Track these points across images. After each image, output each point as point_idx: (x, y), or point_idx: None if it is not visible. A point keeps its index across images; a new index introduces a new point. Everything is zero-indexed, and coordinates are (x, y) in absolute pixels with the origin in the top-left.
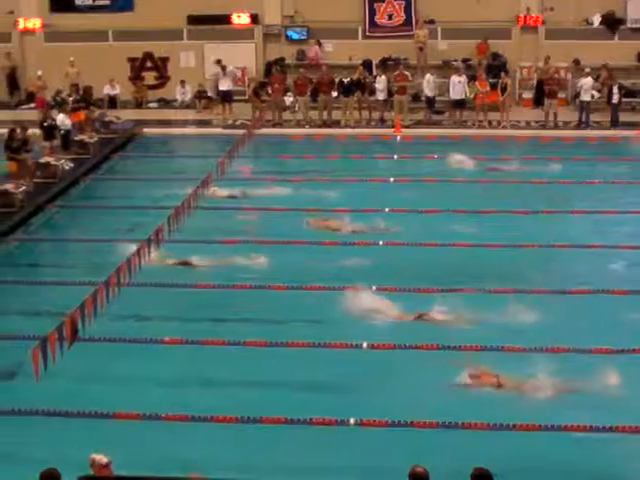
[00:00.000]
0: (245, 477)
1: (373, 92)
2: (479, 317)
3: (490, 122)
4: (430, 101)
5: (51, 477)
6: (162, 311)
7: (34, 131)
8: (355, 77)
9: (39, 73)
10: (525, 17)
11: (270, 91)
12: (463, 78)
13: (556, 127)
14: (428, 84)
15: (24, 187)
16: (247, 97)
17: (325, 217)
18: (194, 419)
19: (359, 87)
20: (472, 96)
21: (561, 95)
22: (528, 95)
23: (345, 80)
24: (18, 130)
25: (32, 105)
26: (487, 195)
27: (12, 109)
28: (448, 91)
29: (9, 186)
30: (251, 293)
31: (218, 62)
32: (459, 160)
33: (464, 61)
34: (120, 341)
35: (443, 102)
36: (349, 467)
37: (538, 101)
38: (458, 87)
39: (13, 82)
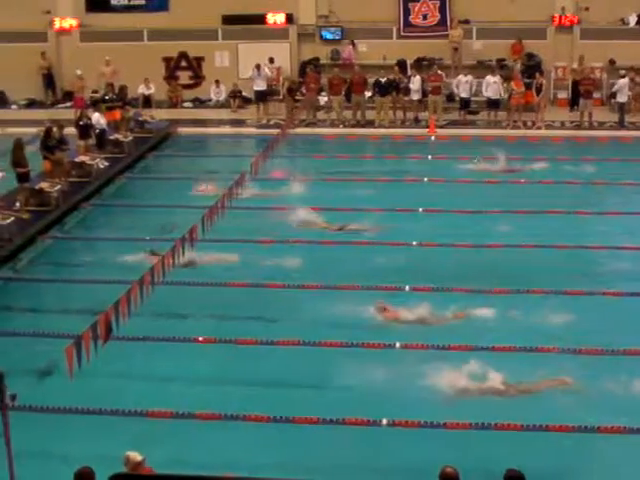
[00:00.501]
0: (279, 476)
1: (407, 92)
2: (511, 317)
3: (525, 122)
4: (464, 102)
5: (85, 475)
6: (196, 310)
7: (69, 130)
8: (390, 77)
9: (79, 72)
10: (560, 17)
11: (304, 91)
12: (497, 78)
13: (591, 127)
14: (461, 85)
15: (59, 186)
16: (281, 97)
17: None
18: (227, 418)
19: (394, 87)
20: (507, 96)
21: (596, 95)
22: (563, 95)
23: (382, 80)
24: (54, 129)
25: (68, 104)
26: (521, 196)
27: (48, 108)
28: (483, 91)
29: (45, 185)
30: (283, 292)
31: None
32: (493, 160)
33: (498, 61)
34: (154, 340)
35: (477, 102)
36: (381, 467)
37: (574, 102)
38: (493, 87)
39: (50, 81)
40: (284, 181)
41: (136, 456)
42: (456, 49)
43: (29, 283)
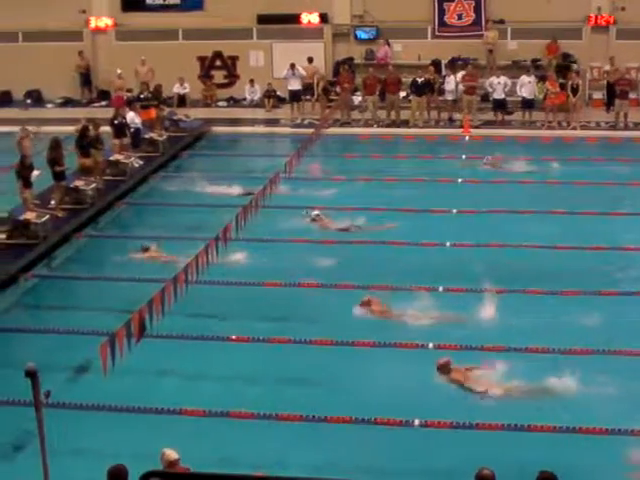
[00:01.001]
0: (310, 476)
1: (442, 92)
2: (545, 318)
3: (559, 123)
4: (498, 103)
5: (119, 473)
6: (229, 309)
7: (104, 129)
8: (427, 77)
9: (119, 71)
10: (596, 17)
11: (339, 90)
12: (532, 78)
13: (626, 128)
14: (495, 86)
15: (94, 184)
16: (316, 97)
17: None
18: (260, 417)
19: (429, 87)
20: (541, 96)
21: (632, 96)
22: (598, 96)
23: (419, 80)
24: (90, 128)
25: (103, 103)
26: (555, 196)
27: (83, 107)
28: (517, 91)
29: (80, 183)
30: (317, 292)
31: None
32: (527, 160)
33: (533, 61)
34: (187, 338)
35: (512, 102)
36: (413, 468)
37: (609, 102)
38: (527, 87)
39: (86, 80)
40: (318, 181)
41: (171, 454)
42: (491, 51)
43: (64, 281)
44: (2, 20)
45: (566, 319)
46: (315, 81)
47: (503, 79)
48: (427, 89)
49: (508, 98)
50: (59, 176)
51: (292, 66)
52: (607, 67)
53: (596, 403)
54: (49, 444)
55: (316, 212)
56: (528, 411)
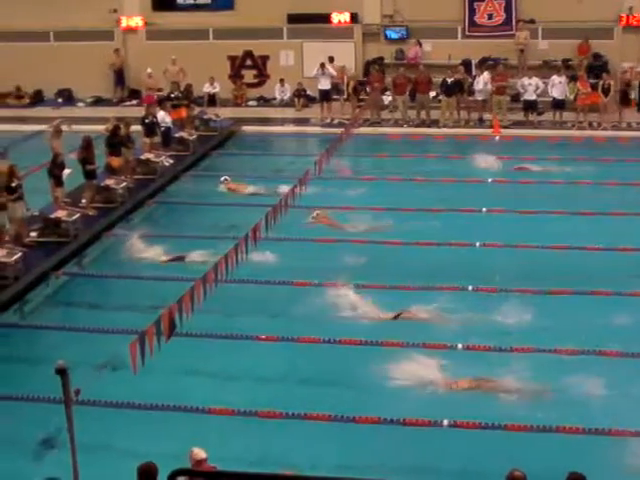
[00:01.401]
0: (339, 476)
1: (472, 92)
2: (575, 319)
3: (590, 123)
4: (530, 104)
5: (149, 470)
6: (258, 307)
7: (135, 128)
8: (457, 77)
9: (149, 71)
10: (628, 17)
11: (369, 90)
12: (563, 78)
13: None
14: (526, 87)
15: (125, 183)
16: (346, 96)
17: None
18: (288, 416)
19: (459, 87)
20: (572, 97)
21: None
22: (630, 96)
23: (449, 80)
24: (122, 127)
25: (134, 102)
26: (586, 197)
27: (114, 106)
28: (548, 91)
29: (110, 182)
30: (345, 292)
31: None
32: (557, 160)
33: (564, 61)
34: (216, 337)
35: (542, 102)
36: (441, 469)
37: None
38: (558, 87)
39: (120, 79)
40: (347, 180)
41: (199, 452)
42: (522, 51)
43: (94, 279)
44: (34, 20)
45: (599, 320)
46: (345, 81)
47: (535, 80)
48: (457, 89)
49: (539, 99)
50: (90, 175)
51: (322, 65)
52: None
53: (623, 405)
54: (78, 441)
55: (317, 211)
56: (556, 412)
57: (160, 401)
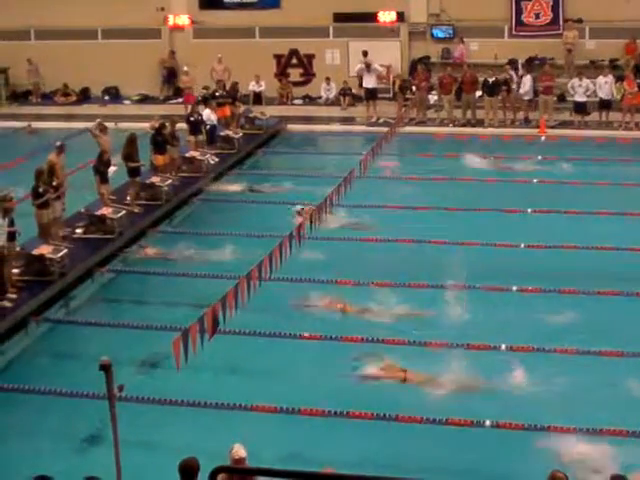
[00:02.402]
0: (380, 475)
1: (518, 92)
2: (619, 321)
3: (637, 124)
4: (580, 106)
5: (191, 466)
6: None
7: (180, 125)
8: (502, 76)
9: (185, 69)
10: None
11: (415, 89)
12: (609, 78)
13: None
14: (578, 88)
15: (170, 180)
16: (392, 95)
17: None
18: (330, 414)
19: (505, 86)
20: (619, 97)
21: None
22: None
23: (490, 80)
24: (167, 125)
25: (180, 100)
26: (630, 197)
27: (160, 104)
28: (595, 92)
29: (156, 179)
30: (388, 290)
31: (364, 54)
32: (603, 161)
33: (611, 61)
34: (260, 335)
35: (589, 103)
36: (482, 470)
37: None
38: (605, 87)
39: (170, 77)
40: (391, 180)
41: (239, 451)
42: (570, 50)
43: (139, 276)
44: (82, 18)
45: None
46: (391, 80)
47: (585, 82)
48: (499, 89)
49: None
50: (133, 172)
51: (367, 65)
52: None
53: None
54: (122, 437)
55: (300, 206)
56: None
57: (203, 398)
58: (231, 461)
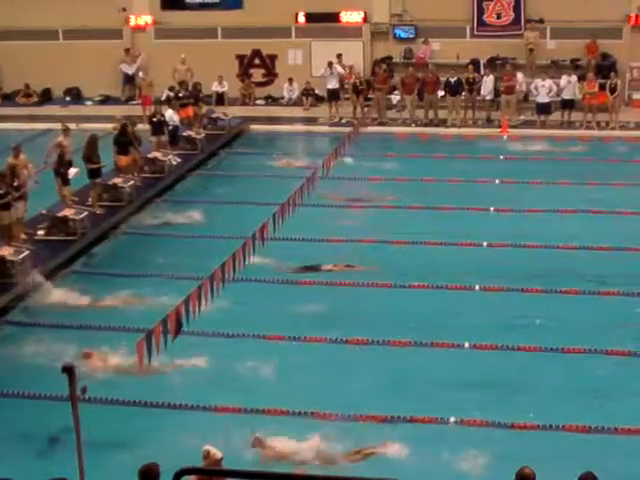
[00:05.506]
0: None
1: (480, 92)
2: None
3: (598, 123)
4: (543, 107)
5: (151, 471)
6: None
7: (142, 126)
8: (464, 76)
9: (141, 74)
10: (636, 16)
11: (374, 90)
12: (573, 78)
13: None
14: (541, 89)
15: (132, 181)
16: (348, 95)
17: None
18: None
19: (468, 86)
20: (581, 96)
21: None
22: (638, 96)
23: (452, 80)
24: (129, 125)
25: (140, 101)
26: (594, 196)
27: (122, 104)
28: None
29: (118, 180)
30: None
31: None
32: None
33: (573, 61)
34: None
35: (552, 103)
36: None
37: None
38: (569, 87)
39: (129, 78)
40: (355, 180)
41: (216, 453)
42: (532, 50)
43: (103, 277)
44: (43, 18)
45: None
46: (352, 80)
47: (548, 82)
48: (461, 89)
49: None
50: (93, 173)
51: (330, 65)
52: None
53: None
54: (88, 439)
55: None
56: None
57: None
58: (207, 462)
